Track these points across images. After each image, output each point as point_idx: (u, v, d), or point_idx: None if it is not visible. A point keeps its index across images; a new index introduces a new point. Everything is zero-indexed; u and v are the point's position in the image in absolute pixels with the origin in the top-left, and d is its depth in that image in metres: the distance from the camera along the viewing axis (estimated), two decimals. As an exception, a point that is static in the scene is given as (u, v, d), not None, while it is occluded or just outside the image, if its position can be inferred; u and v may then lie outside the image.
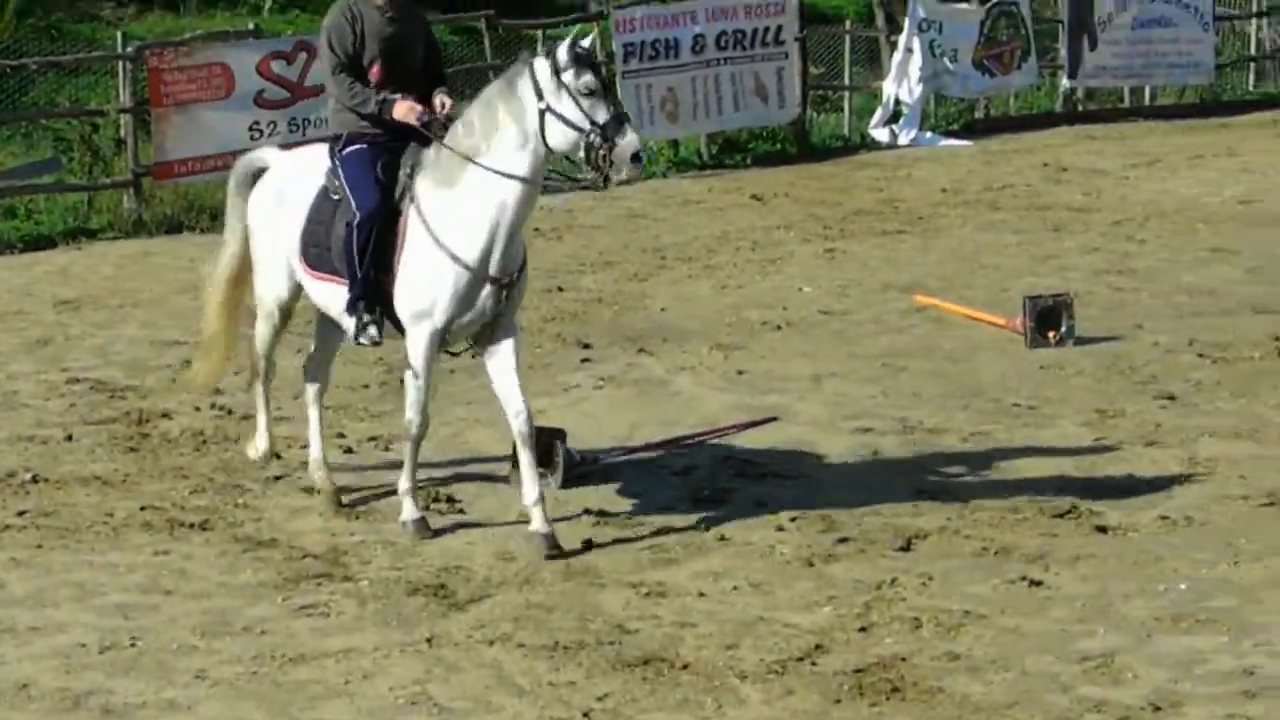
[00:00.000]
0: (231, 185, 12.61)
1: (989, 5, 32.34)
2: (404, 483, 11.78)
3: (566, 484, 12.87)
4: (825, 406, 15.28)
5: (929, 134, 30.58)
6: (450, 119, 11.41)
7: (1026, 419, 14.84)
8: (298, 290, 12.21)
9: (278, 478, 13.58)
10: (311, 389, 12.58)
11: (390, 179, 11.37)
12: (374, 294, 11.40)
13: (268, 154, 12.82)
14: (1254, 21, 39.24)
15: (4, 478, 13.48)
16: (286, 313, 12.42)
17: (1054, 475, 13.36)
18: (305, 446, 12.74)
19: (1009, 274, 20.19)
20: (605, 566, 11.58)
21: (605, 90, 11.21)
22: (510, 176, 11.05)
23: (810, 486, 13.06)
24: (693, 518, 12.30)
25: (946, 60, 31.01)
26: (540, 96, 10.89)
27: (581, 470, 13.26)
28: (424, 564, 11.78)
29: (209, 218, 23.13)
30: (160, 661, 9.85)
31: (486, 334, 11.60)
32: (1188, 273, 20.65)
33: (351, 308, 11.43)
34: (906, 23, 31.11)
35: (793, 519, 12.08)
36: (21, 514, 12.56)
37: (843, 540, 11.78)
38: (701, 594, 10.92)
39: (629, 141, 10.91)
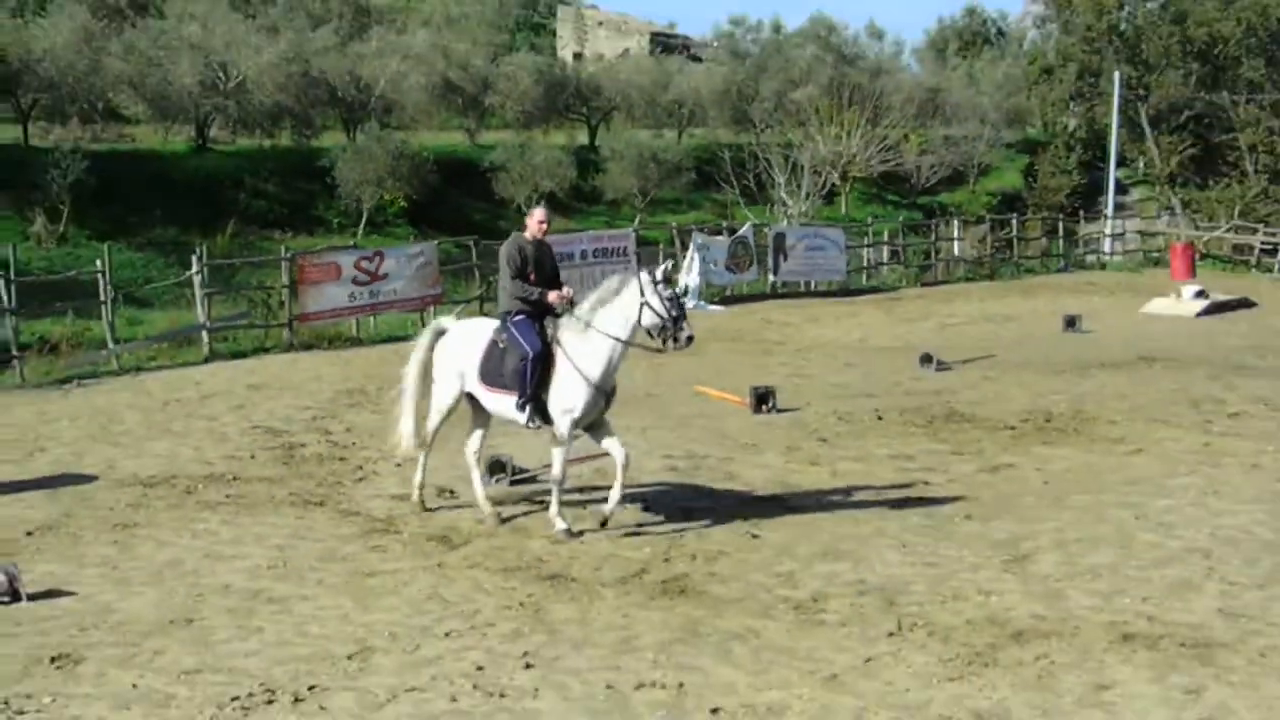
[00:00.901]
0: (426, 338, 13.46)
1: (733, 238, 35.56)
2: (554, 509, 12.68)
3: (513, 484, 14.54)
4: (648, 444, 16.33)
5: (704, 303, 32.86)
6: (571, 301, 12.64)
7: (751, 451, 16.50)
8: (461, 398, 13.09)
9: (360, 480, 15.09)
10: (471, 457, 13.29)
11: (543, 335, 12.39)
12: (536, 399, 12.46)
13: (446, 321, 13.80)
14: (866, 249, 42.26)
15: (220, 476, 15.24)
16: (451, 410, 13.27)
17: (764, 478, 15.21)
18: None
19: (742, 376, 21.35)
20: (532, 526, 12.92)
21: (676, 298, 12.45)
22: (617, 339, 12.33)
23: (640, 486, 14.54)
24: (576, 504, 13.66)
25: (711, 265, 34.29)
26: (642, 294, 12.18)
27: (521, 478, 14.73)
28: (437, 525, 13.06)
29: (327, 343, 26.42)
30: (298, 574, 11.50)
31: (596, 421, 12.68)
32: (833, 375, 22.86)
33: (522, 408, 12.44)
34: (691, 244, 33.96)
35: (631, 500, 13.46)
36: (228, 496, 14.29)
37: (657, 515, 13.31)
38: (582, 543, 12.33)
39: (686, 330, 12.31)
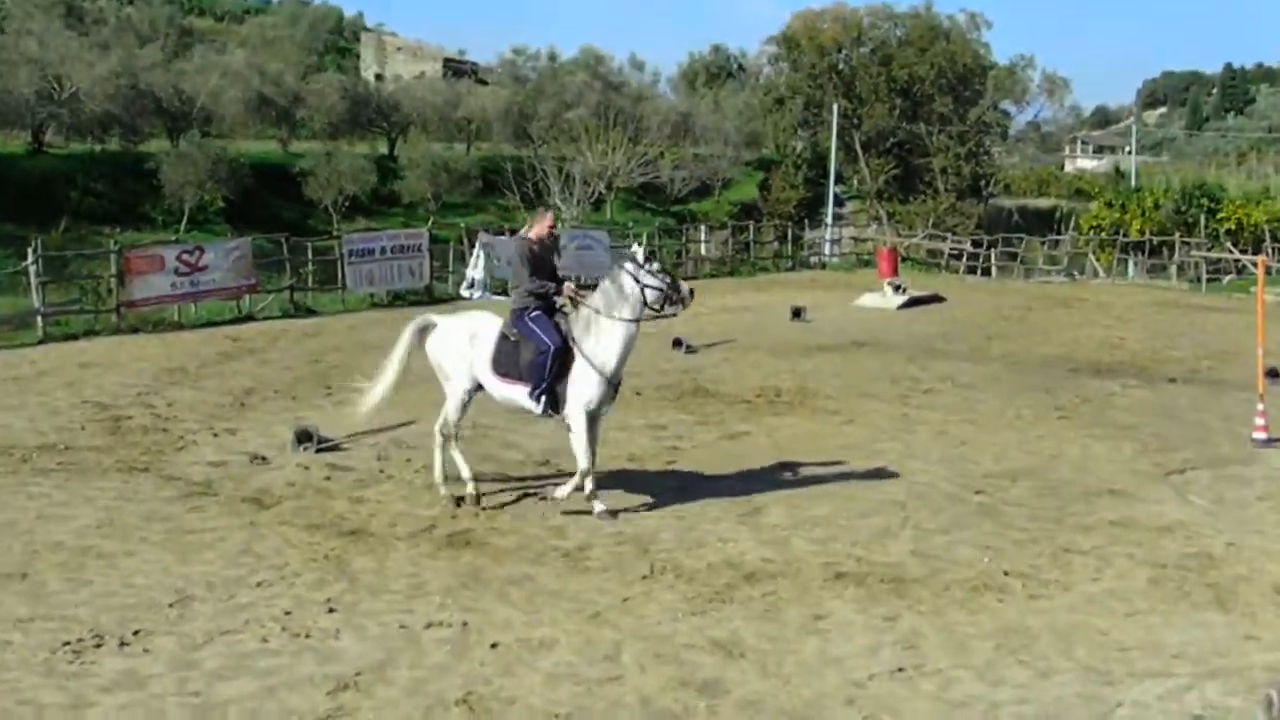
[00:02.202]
0: (410, 332, 12.50)
1: (514, 238, 38.36)
2: (589, 493, 12.04)
3: (318, 452, 14.13)
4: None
5: (490, 295, 32.12)
6: (574, 295, 12.09)
7: (530, 422, 13.35)
8: (475, 388, 12.24)
9: (180, 449, 14.55)
10: (442, 439, 12.41)
11: (560, 331, 11.86)
12: (550, 390, 11.84)
13: (433, 317, 12.81)
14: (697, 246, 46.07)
15: (52, 445, 14.70)
16: (468, 402, 12.36)
17: (541, 446, 13.12)
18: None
19: None
20: (335, 489, 12.73)
21: (664, 268, 12.48)
22: (631, 321, 11.90)
23: (429, 450, 12.89)
24: (375, 468, 13.65)
25: (495, 261, 33.03)
26: (637, 280, 11.80)
27: (325, 446, 14.35)
28: (250, 489, 12.72)
29: (152, 327, 25.67)
30: (124, 532, 11.15)
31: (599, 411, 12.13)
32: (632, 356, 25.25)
33: (537, 398, 11.82)
34: (478, 243, 33.42)
35: (422, 466, 13.28)
36: (60, 463, 13.82)
37: (445, 476, 12.53)
38: (379, 502, 12.24)
39: (685, 286, 12.09)
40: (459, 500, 12.19)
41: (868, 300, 34.51)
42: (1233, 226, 52.48)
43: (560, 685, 8.02)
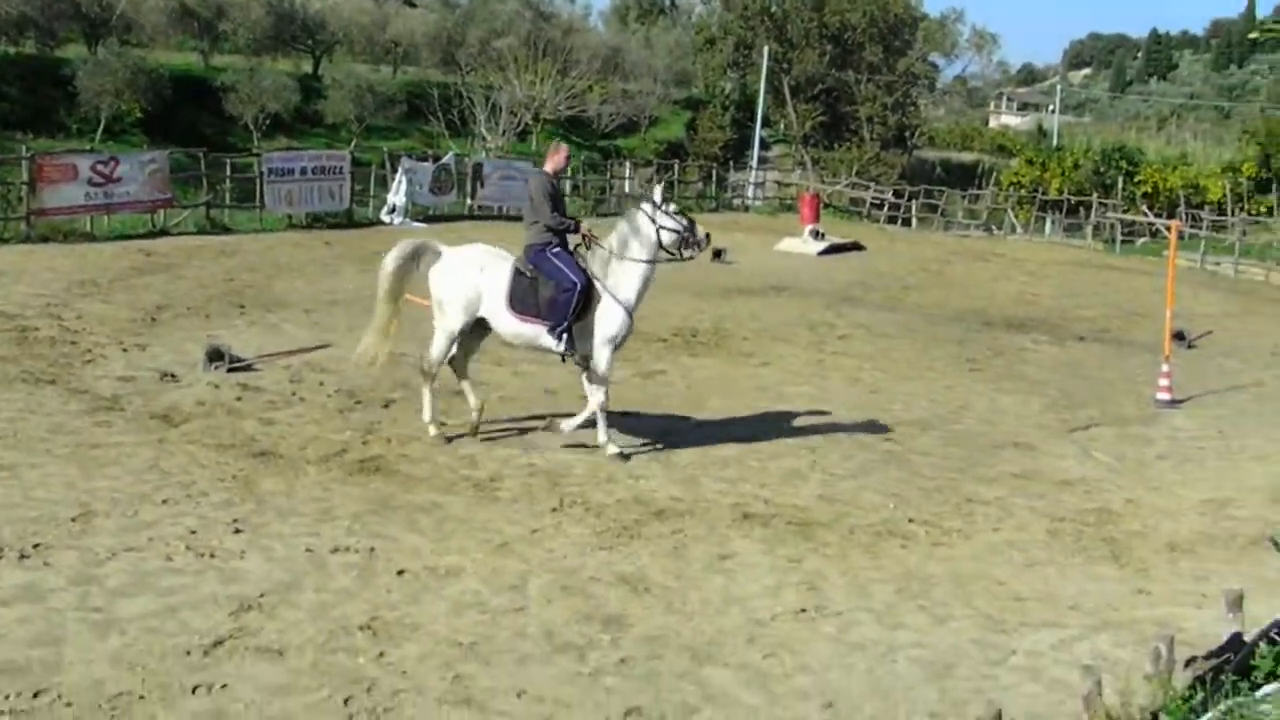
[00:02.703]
0: (398, 258, 11.97)
1: (437, 165, 35.23)
2: (602, 435, 11.97)
3: (230, 371, 13.86)
4: (352, 343, 16.33)
5: (409, 220, 32.65)
6: (590, 235, 11.99)
7: None
8: (471, 325, 11.92)
9: (88, 362, 14.25)
10: (440, 377, 12.22)
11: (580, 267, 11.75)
12: (570, 328, 11.65)
13: (433, 243, 12.27)
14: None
15: None
16: (459, 337, 12.03)
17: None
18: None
19: None
20: (245, 409, 12.60)
21: (681, 211, 12.37)
22: (646, 262, 11.85)
23: (342, 374, 13.92)
24: (287, 390, 13.58)
25: (417, 187, 33.86)
26: (654, 221, 11.82)
27: (237, 366, 14.13)
28: (160, 405, 12.58)
29: (63, 237, 25.01)
30: (27, 444, 11.19)
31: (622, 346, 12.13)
32: None
33: (559, 336, 11.60)
34: (400, 168, 33.45)
35: (336, 391, 13.54)
36: None
37: (357, 401, 13.31)
38: (290, 425, 12.11)
39: (701, 230, 12.07)
40: (449, 439, 12.00)
41: (788, 245, 34.71)
42: (1149, 190, 53.17)
43: (465, 614, 8.07)
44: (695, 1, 75.63)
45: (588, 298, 11.67)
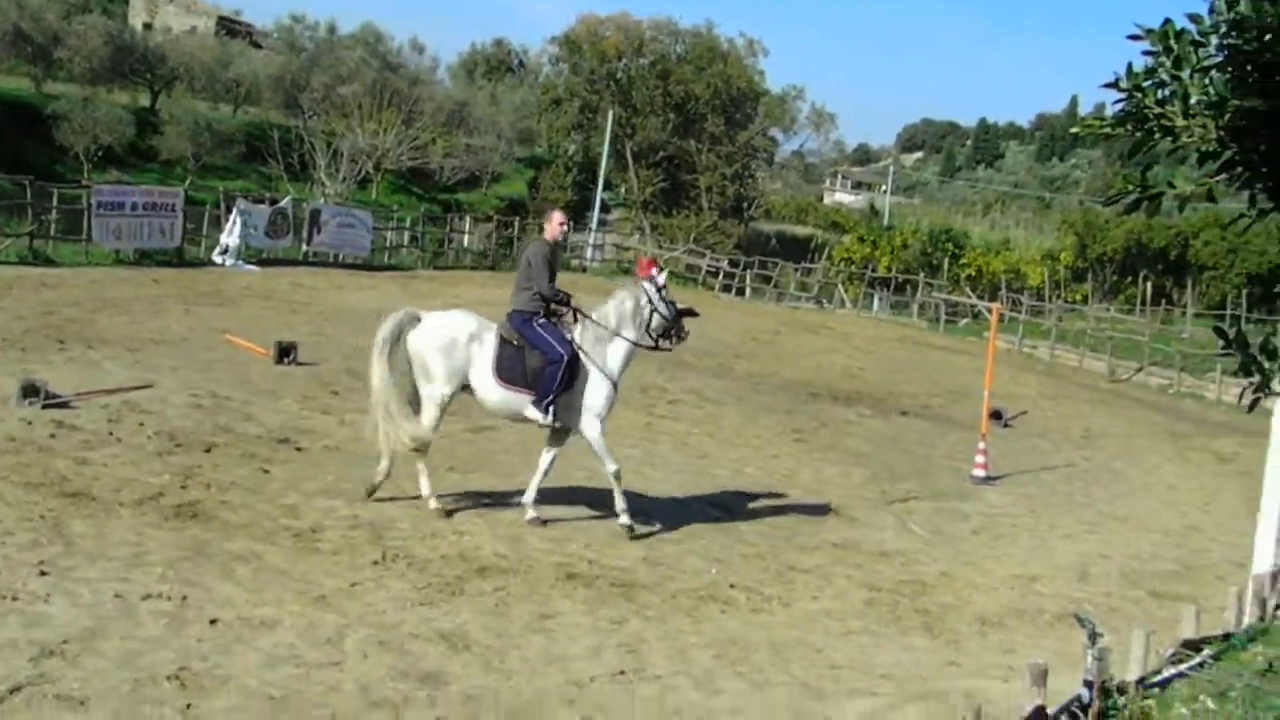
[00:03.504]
0: (387, 339, 11.59)
1: (274, 208, 34.84)
2: (619, 504, 11.88)
3: (44, 408, 13.21)
4: (177, 382, 16.78)
5: (242, 263, 32.32)
6: (576, 308, 12.01)
7: (270, 397, 16.07)
8: (459, 392, 11.68)
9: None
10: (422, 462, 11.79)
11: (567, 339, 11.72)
12: (556, 400, 11.55)
13: (415, 311, 11.99)
14: (390, 232, 45.90)
15: None
16: (449, 405, 11.83)
17: (280, 422, 15.30)
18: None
19: (269, 330, 20.66)
20: (59, 448, 12.04)
21: (673, 302, 12.31)
22: (634, 343, 11.94)
23: (163, 416, 14.55)
24: (104, 429, 13.07)
25: (252, 229, 33.36)
26: (650, 303, 11.93)
27: (52, 403, 13.51)
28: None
29: None
30: None
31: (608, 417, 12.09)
32: (350, 338, 20.78)
33: (546, 408, 11.51)
34: (235, 209, 32.90)
35: (155, 432, 13.13)
36: None
37: (177, 444, 12.79)
38: (105, 465, 11.68)
39: (686, 325, 12.36)
40: (449, 513, 11.72)
41: (624, 308, 34.77)
42: (973, 273, 55.11)
43: (278, 666, 7.84)
44: (543, 62, 76.02)
45: (573, 370, 11.60)
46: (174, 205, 31.85)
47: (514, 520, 11.86)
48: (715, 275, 52.31)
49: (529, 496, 11.87)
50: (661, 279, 12.19)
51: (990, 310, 27.41)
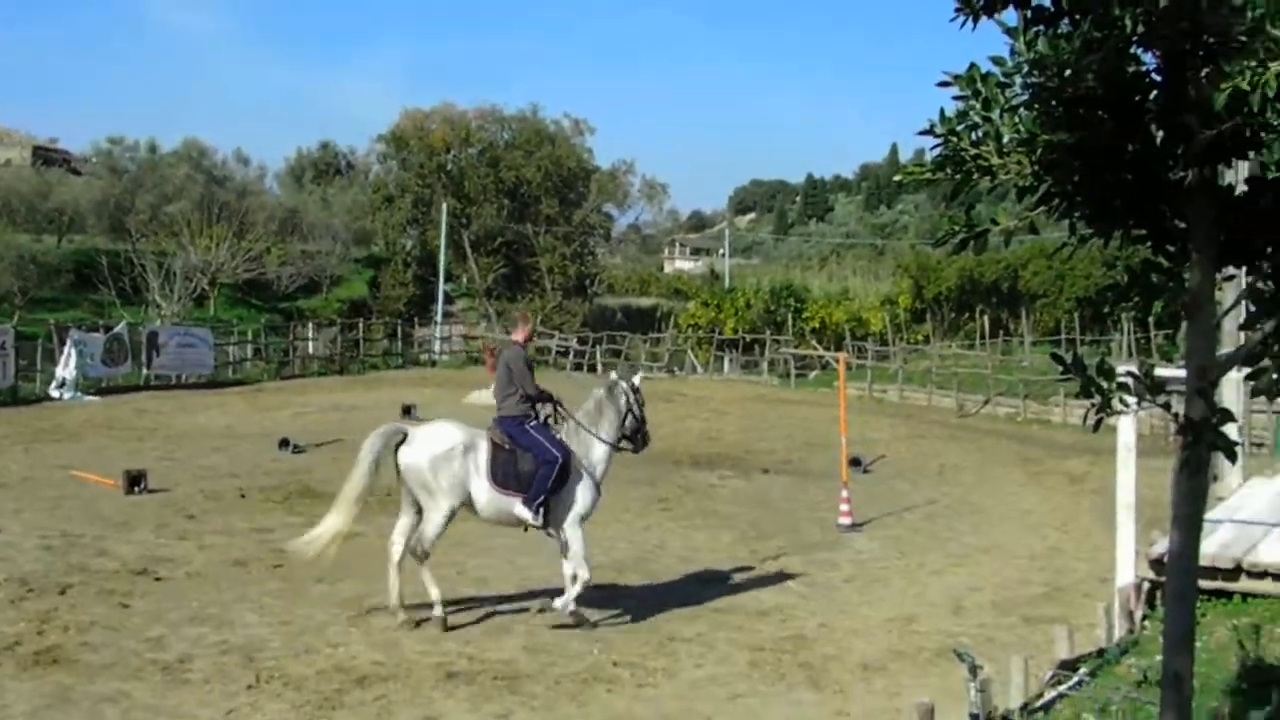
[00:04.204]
0: (377, 444, 11.71)
1: (109, 335, 34.06)
2: (569, 600, 11.78)
3: None
4: (22, 526, 16.45)
5: (80, 394, 31.58)
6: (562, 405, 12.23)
7: (123, 529, 15.44)
8: (463, 504, 11.70)
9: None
10: (394, 549, 11.80)
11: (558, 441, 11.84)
12: (547, 501, 11.66)
13: (402, 427, 12.19)
14: (232, 347, 44.89)
15: None
16: (454, 516, 11.81)
17: (136, 553, 14.98)
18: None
19: (116, 460, 20.17)
20: None
21: (643, 404, 12.37)
22: (612, 445, 12.10)
23: (12, 562, 14.26)
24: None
25: (88, 359, 32.58)
26: (628, 404, 12.09)
27: None
28: None
29: None
30: None
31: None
32: (201, 459, 21.67)
33: (536, 510, 11.56)
34: (69, 340, 32.20)
35: (5, 579, 12.90)
36: None
37: (29, 588, 12.93)
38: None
39: (649, 432, 12.45)
40: (417, 624, 11.51)
41: (477, 397, 34.62)
42: (817, 325, 56.03)
43: (158, 808, 7.53)
44: (371, 161, 75.66)
45: (565, 471, 11.68)
46: (3, 343, 31.04)
47: (386, 626, 11.62)
48: (565, 354, 52.40)
49: (567, 601, 11.88)
50: (638, 381, 12.50)
51: (837, 360, 27.87)
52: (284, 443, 23.02)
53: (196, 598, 12.36)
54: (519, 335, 12.60)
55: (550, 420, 12.10)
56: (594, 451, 12.02)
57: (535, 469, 11.59)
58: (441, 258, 60.31)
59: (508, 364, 12.08)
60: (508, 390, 11.97)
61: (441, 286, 59.72)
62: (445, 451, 11.59)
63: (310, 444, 23.88)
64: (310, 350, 46.08)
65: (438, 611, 11.57)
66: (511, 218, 66.19)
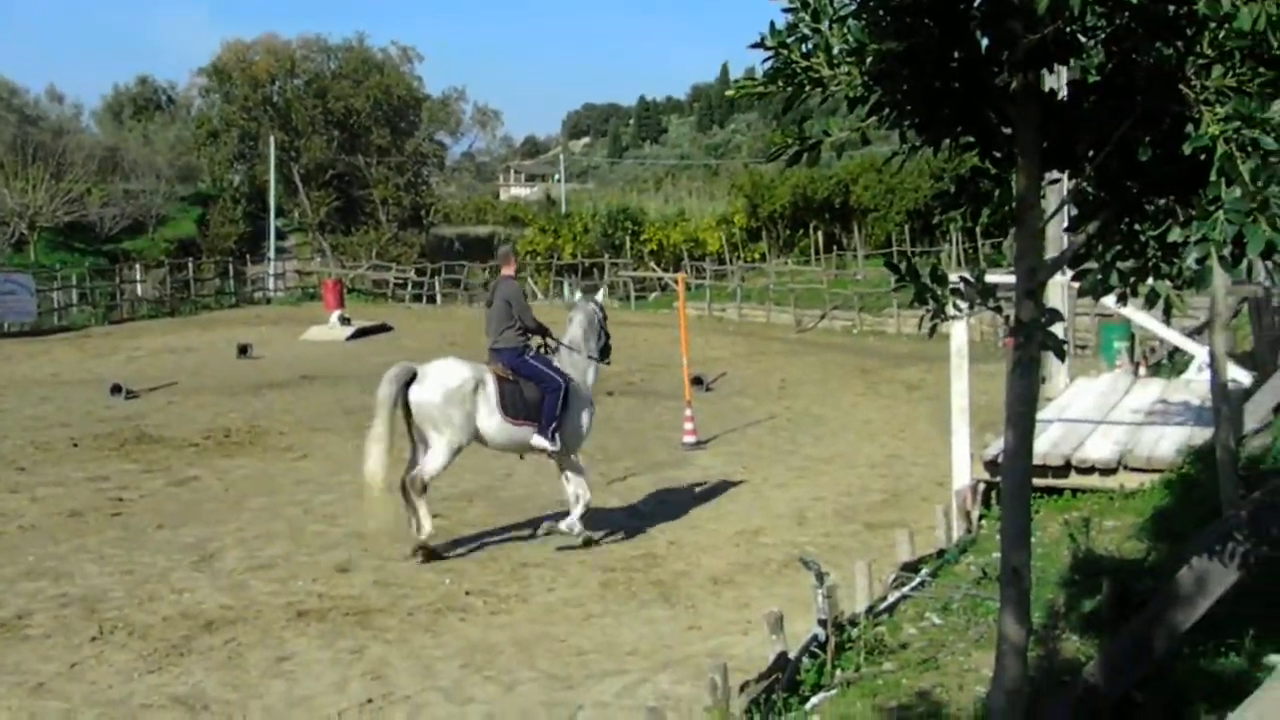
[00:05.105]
0: (391, 386, 11.60)
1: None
2: (575, 521, 12.04)
3: None
4: None
5: None
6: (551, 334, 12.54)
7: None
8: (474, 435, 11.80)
9: None
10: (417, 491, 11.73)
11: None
12: (559, 426, 11.97)
13: (412, 366, 11.98)
14: (56, 292, 43.66)
15: None
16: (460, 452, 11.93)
17: None
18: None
19: None
20: None
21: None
22: (597, 361, 12.63)
23: None
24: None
25: None
26: (600, 322, 12.59)
27: None
28: None
29: None
30: None
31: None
32: (29, 409, 21.13)
33: (552, 436, 11.85)
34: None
35: None
36: None
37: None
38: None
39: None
40: (433, 555, 11.66)
41: (315, 333, 34.23)
42: (655, 247, 56.22)
43: (2, 768, 7.33)
44: (193, 95, 73.31)
45: (567, 395, 12.01)
46: None
47: (232, 569, 11.46)
48: (404, 287, 51.76)
49: (571, 522, 12.09)
50: (600, 296, 12.96)
51: (676, 280, 28.08)
52: (116, 388, 22.36)
53: (32, 551, 12.00)
54: (508, 270, 12.73)
55: (544, 349, 12.38)
56: (586, 373, 12.41)
57: (541, 396, 11.88)
58: (271, 193, 58.95)
59: (506, 298, 12.20)
60: (506, 323, 12.14)
61: (273, 222, 58.44)
62: (457, 387, 11.70)
63: (144, 389, 23.28)
64: (139, 293, 44.70)
65: (427, 530, 11.66)
66: (342, 149, 64.97)
